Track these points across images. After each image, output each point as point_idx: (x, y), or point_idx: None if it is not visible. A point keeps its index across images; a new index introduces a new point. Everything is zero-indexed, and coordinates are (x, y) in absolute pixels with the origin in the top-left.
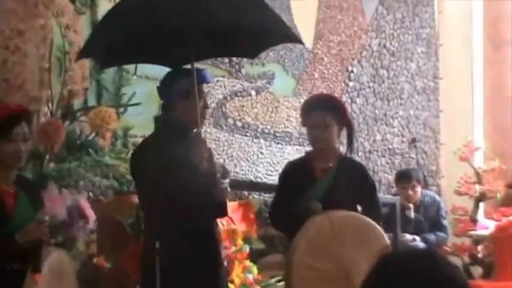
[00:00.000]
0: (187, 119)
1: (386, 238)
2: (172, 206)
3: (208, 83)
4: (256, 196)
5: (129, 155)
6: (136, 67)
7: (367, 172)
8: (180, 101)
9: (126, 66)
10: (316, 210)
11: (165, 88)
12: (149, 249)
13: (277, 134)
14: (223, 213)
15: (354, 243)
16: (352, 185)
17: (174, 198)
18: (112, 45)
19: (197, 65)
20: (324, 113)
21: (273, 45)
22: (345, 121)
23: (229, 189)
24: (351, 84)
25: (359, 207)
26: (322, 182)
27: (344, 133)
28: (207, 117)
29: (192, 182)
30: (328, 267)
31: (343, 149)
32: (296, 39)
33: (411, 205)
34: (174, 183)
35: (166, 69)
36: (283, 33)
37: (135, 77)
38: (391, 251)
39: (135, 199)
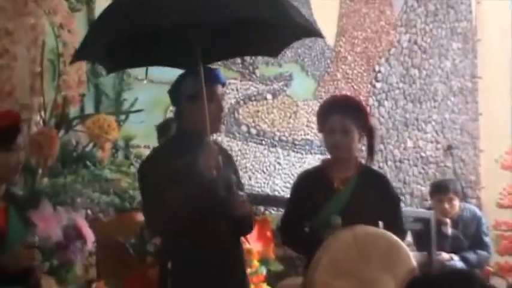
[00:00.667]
0: (197, 125)
1: (413, 259)
2: (185, 223)
3: (223, 84)
4: (273, 212)
5: (131, 167)
6: (147, 70)
7: (390, 184)
8: (188, 105)
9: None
10: (335, 225)
11: (174, 92)
12: (163, 270)
13: (296, 142)
14: (247, 229)
15: (379, 263)
16: (374, 197)
17: (186, 214)
18: (115, 46)
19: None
20: (344, 117)
21: (294, 40)
22: (366, 126)
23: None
24: (378, 85)
25: (380, 223)
26: (341, 194)
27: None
28: None
29: (205, 195)
30: (351, 287)
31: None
32: (317, 32)
33: (448, 220)
34: (184, 198)
35: (174, 72)
36: (303, 27)
37: (145, 81)
38: (421, 273)
39: (139, 217)
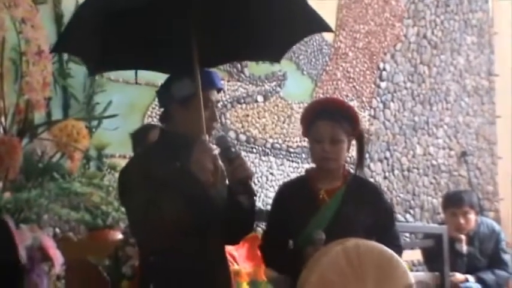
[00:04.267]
0: (187, 131)
1: (411, 276)
2: (177, 236)
3: (219, 89)
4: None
5: (104, 180)
6: (136, 73)
7: (382, 194)
8: (180, 110)
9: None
10: (318, 241)
11: (163, 93)
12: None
13: (291, 150)
14: (244, 216)
15: (373, 280)
16: (364, 210)
17: (179, 226)
18: (102, 42)
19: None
20: (334, 124)
21: (301, 38)
22: (356, 132)
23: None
24: (383, 85)
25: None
26: (327, 207)
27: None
28: None
29: (200, 205)
30: None
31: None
32: (326, 26)
33: (463, 236)
34: (176, 206)
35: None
36: (310, 20)
37: (104, 79)
38: None
39: (113, 235)
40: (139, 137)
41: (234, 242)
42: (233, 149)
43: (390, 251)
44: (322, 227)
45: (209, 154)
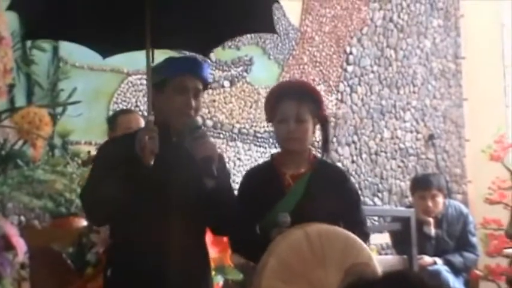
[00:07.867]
0: (162, 117)
1: (376, 262)
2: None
3: (202, 79)
4: None
5: (68, 167)
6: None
7: (348, 179)
8: (157, 95)
9: (64, 55)
10: (283, 224)
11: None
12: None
13: (258, 135)
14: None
15: (336, 265)
16: (331, 195)
17: (119, 206)
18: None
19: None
20: (299, 103)
21: (234, 36)
22: (320, 116)
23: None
24: (349, 69)
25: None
26: (293, 192)
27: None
28: None
29: (137, 186)
30: None
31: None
32: (270, 26)
33: (431, 219)
34: (114, 186)
35: (118, 58)
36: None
37: (68, 66)
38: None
39: (77, 223)
40: (110, 122)
41: (217, 229)
42: (200, 130)
43: (353, 236)
44: (287, 211)
45: (150, 133)
